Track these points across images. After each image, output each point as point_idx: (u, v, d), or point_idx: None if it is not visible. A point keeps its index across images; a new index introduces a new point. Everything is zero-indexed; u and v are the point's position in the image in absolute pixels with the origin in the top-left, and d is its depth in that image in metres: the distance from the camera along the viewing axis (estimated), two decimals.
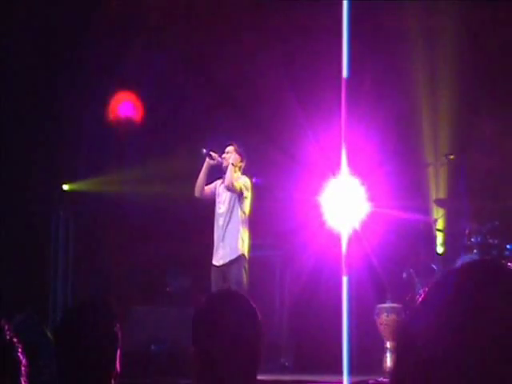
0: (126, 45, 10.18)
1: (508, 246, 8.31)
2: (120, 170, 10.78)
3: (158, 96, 10.59)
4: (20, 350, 2.02)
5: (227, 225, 7.82)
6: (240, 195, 7.78)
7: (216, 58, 10.14)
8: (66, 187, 10.96)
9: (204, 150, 7.95)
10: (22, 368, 2.00)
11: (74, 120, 10.39)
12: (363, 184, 9.31)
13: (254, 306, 2.35)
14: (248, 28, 9.99)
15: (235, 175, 7.86)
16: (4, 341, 2.00)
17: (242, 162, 7.95)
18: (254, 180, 7.99)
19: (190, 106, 10.47)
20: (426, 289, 1.06)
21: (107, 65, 10.28)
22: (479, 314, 0.97)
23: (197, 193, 8.01)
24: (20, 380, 1.98)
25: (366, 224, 9.48)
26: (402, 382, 1.01)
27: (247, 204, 7.85)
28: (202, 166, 8.05)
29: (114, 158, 10.76)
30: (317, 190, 9.74)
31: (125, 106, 10.55)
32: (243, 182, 7.86)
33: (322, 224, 9.57)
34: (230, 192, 7.82)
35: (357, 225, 9.50)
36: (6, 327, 2.04)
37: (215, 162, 7.91)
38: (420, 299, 1.05)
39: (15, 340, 2.03)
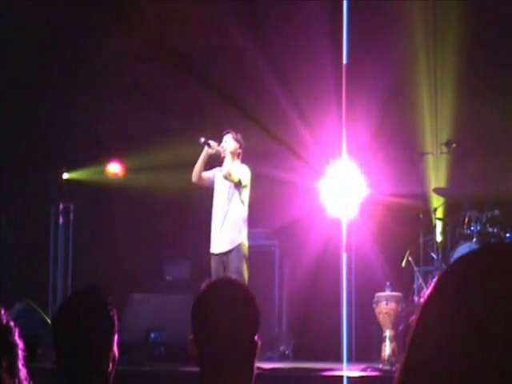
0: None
1: (508, 235, 8.31)
2: (120, 159, 10.81)
3: (156, 88, 10.60)
4: (17, 333, 2.02)
5: (226, 213, 7.81)
6: (239, 184, 7.77)
7: (214, 45, 10.12)
8: (65, 176, 10.97)
9: (202, 139, 7.93)
10: (19, 352, 2.01)
11: (75, 109, 10.39)
12: (362, 169, 9.31)
13: (253, 294, 2.36)
14: (245, 15, 9.96)
15: (234, 163, 7.85)
16: (0, 325, 2.00)
17: (240, 149, 7.93)
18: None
19: (190, 93, 10.46)
20: (436, 279, 1.04)
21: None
22: (495, 302, 0.96)
23: (194, 178, 8.00)
24: (17, 363, 1.98)
25: (366, 211, 9.49)
26: (414, 374, 0.99)
27: (246, 193, 7.83)
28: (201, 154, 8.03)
29: (114, 147, 10.78)
30: (316, 177, 9.75)
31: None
32: (242, 171, 7.84)
33: (322, 212, 9.58)
34: (228, 181, 7.81)
35: (356, 212, 9.51)
36: (2, 312, 2.04)
37: (214, 151, 7.88)
38: (430, 290, 1.03)
39: (12, 324, 2.02)
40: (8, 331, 2.00)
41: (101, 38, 10.14)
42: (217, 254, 7.75)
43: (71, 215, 10.84)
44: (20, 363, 2.00)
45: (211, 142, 7.88)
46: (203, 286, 2.37)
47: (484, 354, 0.93)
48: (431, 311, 1.00)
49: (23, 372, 2.02)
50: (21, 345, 2.02)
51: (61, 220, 10.80)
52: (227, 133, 7.93)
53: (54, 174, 10.75)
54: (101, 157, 10.76)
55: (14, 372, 1.97)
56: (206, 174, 8.00)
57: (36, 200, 10.53)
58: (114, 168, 11.04)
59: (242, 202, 7.80)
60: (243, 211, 7.81)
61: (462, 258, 1.03)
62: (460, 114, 9.24)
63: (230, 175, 7.71)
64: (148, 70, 10.46)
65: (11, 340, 2.00)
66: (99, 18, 9.91)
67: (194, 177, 7.99)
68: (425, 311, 1.00)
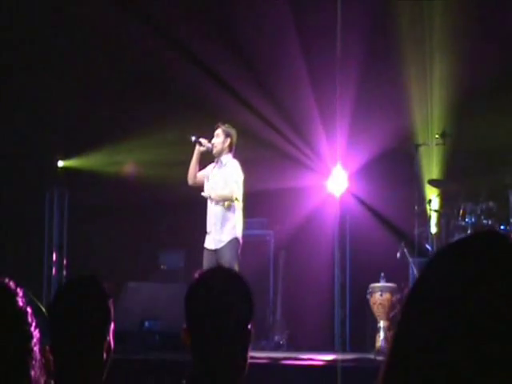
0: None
1: (502, 227, 8.33)
2: (115, 148, 10.78)
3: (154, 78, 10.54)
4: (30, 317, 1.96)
5: (220, 211, 7.79)
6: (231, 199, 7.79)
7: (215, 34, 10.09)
8: (60, 164, 10.95)
9: (193, 138, 7.87)
10: (35, 336, 1.95)
11: (71, 96, 10.35)
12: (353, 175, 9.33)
13: (247, 283, 2.36)
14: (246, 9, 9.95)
15: (225, 157, 7.84)
16: (18, 307, 1.96)
17: (232, 144, 7.89)
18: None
19: (188, 86, 10.42)
20: (423, 267, 1.05)
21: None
22: (477, 289, 0.96)
23: (190, 181, 7.99)
24: (32, 348, 1.94)
25: (361, 203, 9.50)
26: (398, 363, 1.00)
27: (240, 189, 7.80)
28: (193, 153, 7.97)
29: (110, 136, 10.75)
30: (311, 170, 9.77)
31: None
32: (234, 170, 7.80)
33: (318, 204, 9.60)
34: (221, 177, 7.81)
35: (351, 205, 9.53)
36: (21, 293, 1.99)
37: (205, 148, 7.86)
38: (416, 279, 1.04)
39: (28, 308, 1.98)
40: (25, 315, 1.95)
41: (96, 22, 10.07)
42: (210, 250, 7.75)
43: (66, 203, 10.84)
44: (36, 348, 1.95)
45: (202, 140, 7.86)
46: (196, 274, 2.37)
47: (470, 341, 0.94)
48: (418, 298, 1.01)
49: (39, 359, 1.97)
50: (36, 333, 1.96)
51: (56, 208, 10.80)
52: (218, 127, 7.90)
53: (50, 161, 10.75)
54: (96, 145, 10.73)
55: (31, 359, 1.91)
56: (201, 174, 7.98)
57: (31, 187, 10.51)
58: (130, 168, 11.03)
59: (236, 198, 7.78)
60: (237, 207, 7.79)
61: (448, 246, 1.04)
62: (454, 105, 9.25)
63: (222, 199, 7.76)
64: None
65: (26, 324, 1.95)
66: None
67: (190, 179, 7.98)
68: (412, 297, 1.02)
